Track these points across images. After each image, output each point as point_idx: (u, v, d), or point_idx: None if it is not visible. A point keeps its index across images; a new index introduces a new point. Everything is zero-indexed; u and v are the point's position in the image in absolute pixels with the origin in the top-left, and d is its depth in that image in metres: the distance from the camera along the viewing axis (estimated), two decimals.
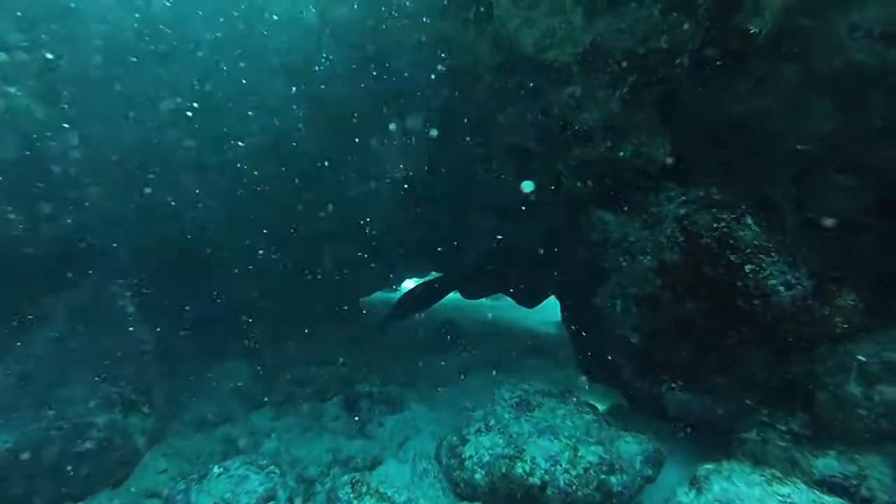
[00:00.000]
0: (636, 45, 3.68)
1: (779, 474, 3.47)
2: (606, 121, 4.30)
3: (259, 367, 7.15)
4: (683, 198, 4.40)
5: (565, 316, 7.33)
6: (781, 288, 3.73)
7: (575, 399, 5.02)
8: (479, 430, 4.61)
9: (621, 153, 4.50)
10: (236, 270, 6.63)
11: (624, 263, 4.68)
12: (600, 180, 4.80)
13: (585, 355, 6.64)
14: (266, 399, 6.59)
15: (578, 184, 5.09)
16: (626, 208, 4.72)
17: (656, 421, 5.28)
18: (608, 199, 4.86)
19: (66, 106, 3.93)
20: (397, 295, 12.90)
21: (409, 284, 13.43)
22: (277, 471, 4.58)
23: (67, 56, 3.76)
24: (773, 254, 3.86)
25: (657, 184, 4.67)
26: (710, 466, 3.64)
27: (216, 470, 4.38)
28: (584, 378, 6.75)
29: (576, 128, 4.41)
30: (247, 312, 7.08)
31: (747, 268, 3.85)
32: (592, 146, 4.55)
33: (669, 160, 4.48)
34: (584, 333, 6.47)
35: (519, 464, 4.14)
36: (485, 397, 5.13)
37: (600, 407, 5.26)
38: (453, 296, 12.44)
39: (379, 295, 11.93)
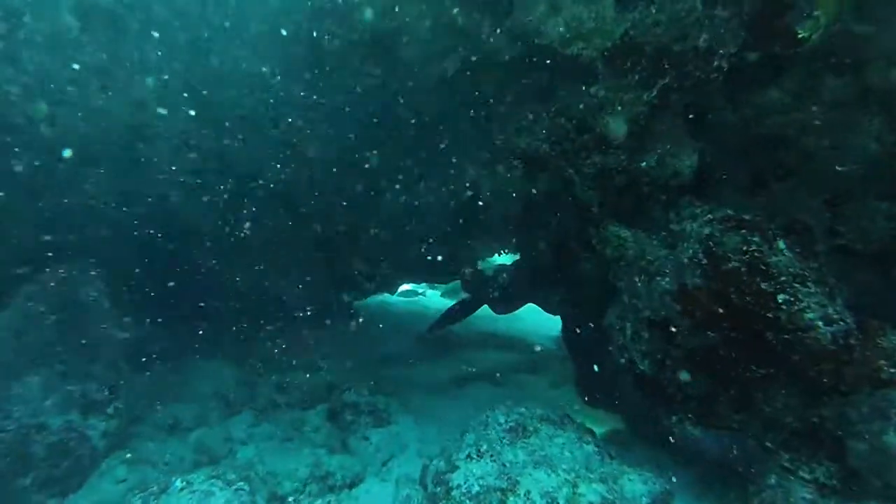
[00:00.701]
0: (672, 42, 3.30)
1: None
2: (630, 126, 3.92)
3: (242, 370, 6.76)
4: (709, 216, 4.01)
5: (567, 334, 6.97)
6: (820, 323, 3.33)
7: (575, 426, 4.62)
8: (469, 456, 4.19)
9: (644, 163, 4.12)
10: (224, 265, 6.25)
11: (639, 284, 4.29)
12: (618, 192, 4.41)
13: (586, 376, 6.27)
14: (246, 404, 6.21)
15: (592, 194, 4.72)
16: (644, 224, 4.34)
17: (659, 451, 4.94)
18: (625, 213, 4.47)
19: (30, 73, 3.50)
20: (393, 297, 12.67)
21: (405, 288, 13.19)
22: (246, 487, 4.17)
23: (31, 14, 3.34)
24: (809, 284, 3.46)
25: (680, 199, 4.29)
26: None
27: (178, 484, 3.98)
28: (581, 399, 6.42)
29: (596, 132, 4.02)
30: (232, 312, 6.70)
31: (780, 298, 3.45)
32: (612, 153, 4.17)
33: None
34: (586, 354, 6.10)
35: (512, 498, 3.72)
36: (476, 415, 4.73)
37: (597, 430, 4.89)
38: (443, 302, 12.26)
39: (375, 298, 11.57)
